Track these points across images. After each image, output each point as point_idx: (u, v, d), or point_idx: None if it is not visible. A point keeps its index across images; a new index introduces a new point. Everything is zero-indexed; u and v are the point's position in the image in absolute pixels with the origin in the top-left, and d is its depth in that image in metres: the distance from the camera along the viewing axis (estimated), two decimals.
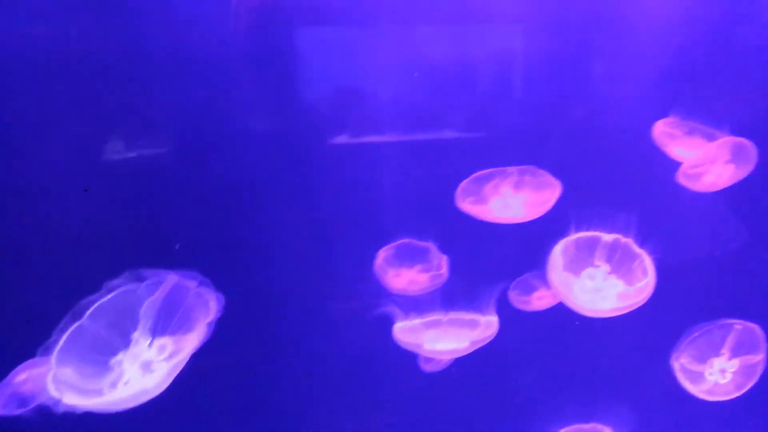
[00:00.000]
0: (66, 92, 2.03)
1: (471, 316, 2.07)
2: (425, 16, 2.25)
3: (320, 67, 2.24)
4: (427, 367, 2.27)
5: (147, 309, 1.51)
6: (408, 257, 2.21)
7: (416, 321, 2.06)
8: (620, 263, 2.01)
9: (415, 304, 2.12)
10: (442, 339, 2.06)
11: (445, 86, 2.30)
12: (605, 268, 2.02)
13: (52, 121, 2.04)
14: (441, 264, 2.22)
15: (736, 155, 2.23)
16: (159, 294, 1.51)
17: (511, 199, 2.16)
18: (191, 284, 1.56)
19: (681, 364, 2.20)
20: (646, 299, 1.98)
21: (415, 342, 2.08)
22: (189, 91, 2.12)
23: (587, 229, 2.02)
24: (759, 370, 2.21)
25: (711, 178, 2.23)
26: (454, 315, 2.08)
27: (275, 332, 2.37)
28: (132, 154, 2.16)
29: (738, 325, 2.18)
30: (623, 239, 1.99)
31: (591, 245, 2.03)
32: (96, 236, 2.12)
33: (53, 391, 1.38)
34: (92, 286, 1.54)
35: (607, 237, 2.00)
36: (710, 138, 2.23)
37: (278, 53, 2.20)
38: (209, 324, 1.56)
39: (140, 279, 1.56)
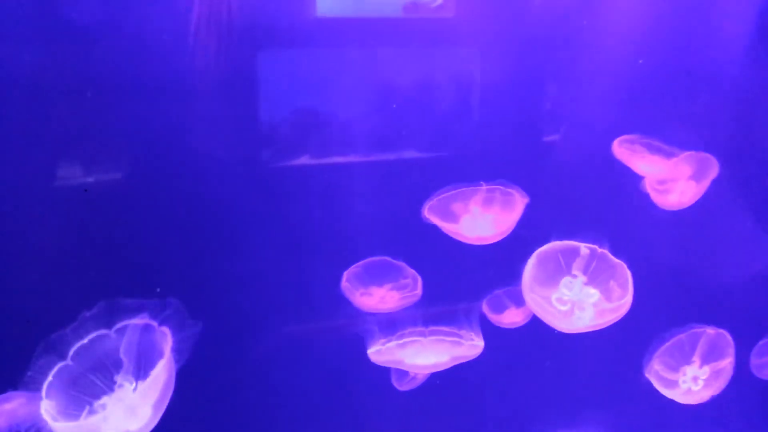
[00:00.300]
0: (21, 117, 2.00)
1: (452, 331, 2.07)
2: (386, 39, 2.28)
3: (281, 89, 2.25)
4: (402, 386, 2.27)
5: (126, 351, 1.48)
6: (377, 275, 2.22)
7: (393, 342, 2.06)
8: (596, 274, 2.03)
9: (391, 323, 2.12)
10: (422, 354, 2.06)
11: (407, 107, 2.32)
12: (582, 278, 2.04)
13: (7, 146, 2.00)
14: (412, 282, 2.22)
15: (697, 171, 2.29)
16: (133, 336, 1.49)
17: (480, 217, 2.18)
18: (167, 313, 1.54)
19: (655, 371, 2.26)
20: (624, 314, 2.01)
21: (394, 359, 2.07)
22: (148, 116, 2.09)
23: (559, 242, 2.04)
24: (729, 374, 2.30)
25: (675, 196, 2.29)
26: (434, 332, 2.07)
27: (248, 356, 2.35)
28: (90, 179, 2.13)
29: (708, 330, 2.26)
30: (599, 250, 2.01)
31: (567, 256, 2.04)
32: (53, 263, 2.08)
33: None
34: (54, 315, 1.51)
35: (584, 248, 2.01)
36: (669, 155, 2.29)
37: (238, 76, 2.20)
38: (180, 352, 1.54)
39: (112, 311, 1.53)
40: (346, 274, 2.19)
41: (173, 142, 2.15)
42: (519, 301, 2.27)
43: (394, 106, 2.30)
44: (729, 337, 2.28)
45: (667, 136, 2.32)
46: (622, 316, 1.99)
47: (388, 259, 2.23)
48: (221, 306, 2.20)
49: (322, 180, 2.32)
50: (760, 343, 2.61)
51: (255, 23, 2.15)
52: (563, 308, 2.01)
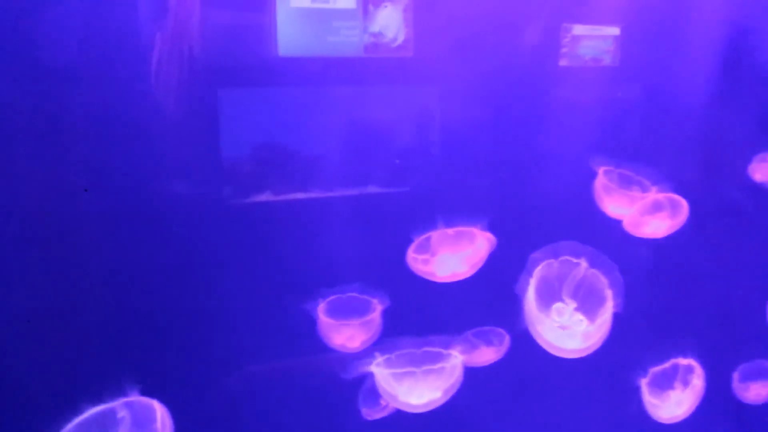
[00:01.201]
0: None
1: (440, 364, 2.07)
2: (347, 78, 2.31)
3: (242, 127, 2.26)
4: (372, 415, 2.26)
5: None
6: (344, 312, 2.21)
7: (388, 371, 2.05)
8: (585, 299, 2.06)
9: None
10: (416, 390, 2.06)
11: (368, 143, 2.35)
12: (573, 304, 2.06)
13: None
14: (377, 316, 2.22)
15: (671, 209, 2.36)
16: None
17: (450, 257, 2.19)
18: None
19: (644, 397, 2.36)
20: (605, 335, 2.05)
21: (391, 392, 2.06)
22: (107, 155, 2.08)
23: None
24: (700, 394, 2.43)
25: (650, 229, 2.35)
26: (426, 366, 2.07)
27: (218, 397, 2.32)
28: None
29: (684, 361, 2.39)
30: (589, 272, 2.03)
31: (559, 281, 2.06)
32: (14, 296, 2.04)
33: None
34: None
35: (575, 273, 2.04)
36: (644, 190, 2.35)
37: (200, 114, 2.20)
38: None
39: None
40: (320, 308, 2.18)
41: (133, 181, 2.13)
42: (489, 340, 2.31)
43: (397, 161, 2.34)
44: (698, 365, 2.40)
45: (639, 172, 2.39)
46: (604, 339, 2.03)
47: (356, 295, 2.23)
48: (187, 346, 2.18)
49: (283, 216, 2.32)
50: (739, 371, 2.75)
51: (217, 62, 2.17)
52: (554, 334, 2.04)
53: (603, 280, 2.02)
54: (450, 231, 2.20)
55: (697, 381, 2.40)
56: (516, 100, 2.49)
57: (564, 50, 2.60)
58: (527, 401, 2.63)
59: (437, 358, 2.10)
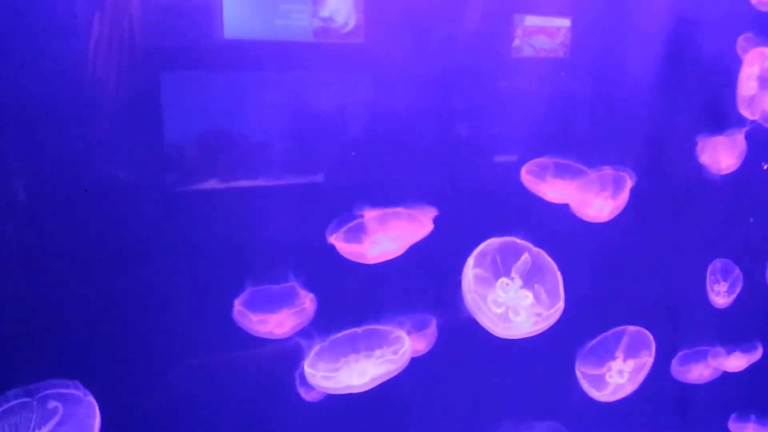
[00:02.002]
0: None
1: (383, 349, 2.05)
2: (295, 63, 2.27)
3: (187, 112, 2.20)
4: (309, 397, 2.22)
5: None
6: (273, 300, 2.17)
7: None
8: (530, 277, 2.05)
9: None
10: (356, 371, 2.03)
11: (316, 130, 2.31)
12: (519, 281, 2.05)
13: None
14: (309, 305, 2.19)
15: (613, 188, 2.37)
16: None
17: (381, 237, 2.17)
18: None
19: (582, 371, 2.40)
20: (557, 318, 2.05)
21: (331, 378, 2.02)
22: (48, 140, 1.99)
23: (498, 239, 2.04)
24: (648, 368, 2.47)
25: (593, 211, 2.36)
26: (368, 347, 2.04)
27: (153, 388, 2.25)
28: None
29: (630, 328, 2.43)
30: (534, 251, 2.02)
31: (505, 255, 2.05)
32: None
33: None
34: None
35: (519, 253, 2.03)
36: (575, 177, 2.37)
37: (142, 98, 2.13)
38: None
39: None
40: (238, 301, 2.13)
41: (75, 166, 2.05)
42: (419, 326, 2.30)
43: (353, 153, 2.30)
44: (649, 335, 2.45)
45: (583, 155, 2.41)
46: (554, 322, 2.03)
47: (284, 284, 2.19)
48: (122, 335, 2.12)
49: (230, 204, 2.27)
50: (681, 353, 2.83)
51: (159, 44, 2.10)
52: (498, 311, 2.02)
53: (547, 262, 2.03)
54: (383, 211, 2.17)
55: (638, 361, 2.45)
56: (466, 90, 2.48)
57: (516, 41, 2.61)
58: (469, 384, 2.65)
59: (377, 340, 2.07)
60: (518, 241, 2.02)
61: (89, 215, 2.08)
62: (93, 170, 2.08)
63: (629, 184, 2.39)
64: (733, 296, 2.86)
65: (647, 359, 2.45)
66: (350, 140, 2.38)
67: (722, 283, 2.85)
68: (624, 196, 2.39)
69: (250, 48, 2.17)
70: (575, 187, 2.35)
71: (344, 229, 2.13)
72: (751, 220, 2.97)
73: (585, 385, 2.40)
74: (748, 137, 2.74)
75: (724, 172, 2.74)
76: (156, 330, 2.16)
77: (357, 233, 2.15)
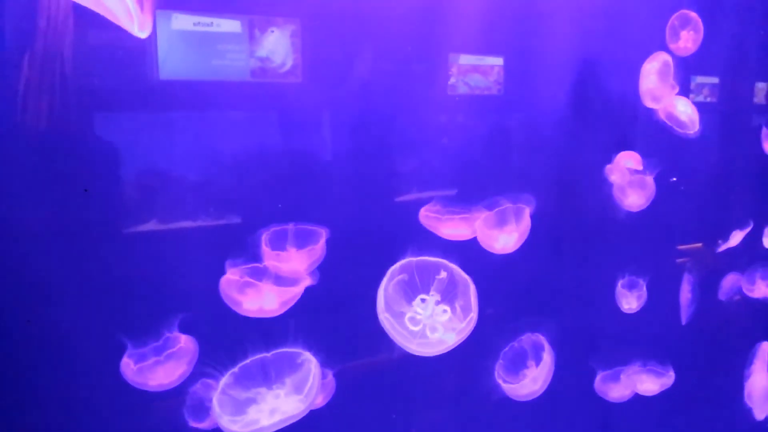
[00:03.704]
0: None
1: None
2: (233, 102, 2.27)
3: (123, 153, 2.16)
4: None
5: None
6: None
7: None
8: (447, 293, 2.08)
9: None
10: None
11: (251, 170, 2.30)
12: (436, 296, 2.06)
13: None
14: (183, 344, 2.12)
15: (516, 220, 2.43)
16: None
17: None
18: None
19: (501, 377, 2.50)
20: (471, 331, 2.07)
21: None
22: None
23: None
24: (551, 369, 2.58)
25: (500, 244, 2.41)
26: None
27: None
28: None
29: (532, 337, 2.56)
30: (449, 267, 2.06)
31: (422, 273, 2.06)
32: None
33: None
34: None
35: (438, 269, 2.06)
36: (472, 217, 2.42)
37: (76, 140, 2.09)
38: None
39: None
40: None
41: (6, 210, 1.98)
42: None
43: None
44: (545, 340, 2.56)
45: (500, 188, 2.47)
46: (467, 335, 2.05)
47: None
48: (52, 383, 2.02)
49: (170, 244, 2.22)
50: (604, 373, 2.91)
51: (93, 85, 2.07)
52: (416, 328, 2.02)
53: (462, 277, 2.06)
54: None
55: (548, 356, 2.55)
56: (403, 128, 2.53)
57: (451, 80, 2.68)
58: (389, 404, 2.62)
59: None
60: (432, 258, 2.04)
61: (23, 255, 2.00)
62: (25, 210, 2.01)
63: (527, 213, 2.46)
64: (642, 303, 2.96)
65: (548, 358, 2.55)
66: (287, 178, 2.37)
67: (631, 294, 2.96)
68: (526, 226, 2.47)
69: (186, 88, 2.16)
70: (480, 224, 2.39)
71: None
72: (673, 179, 3.06)
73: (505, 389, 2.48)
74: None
75: (633, 210, 2.89)
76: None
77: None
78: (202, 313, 2.11)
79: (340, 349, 2.11)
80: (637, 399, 2.99)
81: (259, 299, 2.08)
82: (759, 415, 3.38)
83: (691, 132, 2.94)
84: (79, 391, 2.10)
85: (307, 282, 2.15)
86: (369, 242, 2.29)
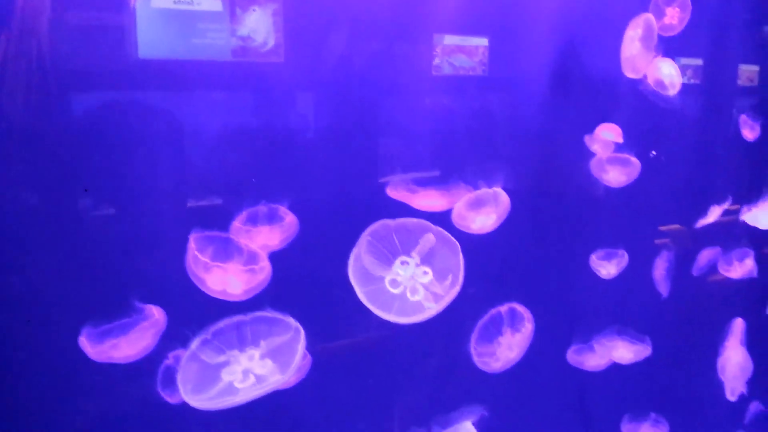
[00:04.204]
0: None
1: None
2: (214, 82, 2.24)
3: (101, 133, 2.14)
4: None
5: None
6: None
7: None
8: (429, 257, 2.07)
9: None
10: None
11: (231, 150, 2.29)
12: (416, 259, 2.05)
13: None
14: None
15: (495, 204, 2.43)
16: None
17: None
18: None
19: (476, 350, 2.49)
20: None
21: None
22: None
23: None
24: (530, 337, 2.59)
25: (477, 225, 2.41)
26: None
27: None
28: None
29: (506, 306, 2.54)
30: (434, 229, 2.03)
31: (403, 236, 2.05)
32: None
33: None
34: None
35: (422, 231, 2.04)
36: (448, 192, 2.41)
37: (52, 121, 2.06)
38: None
39: None
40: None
41: None
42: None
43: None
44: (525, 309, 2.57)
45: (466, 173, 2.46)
46: (451, 300, 2.04)
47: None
48: None
49: (146, 224, 2.21)
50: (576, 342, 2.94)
51: (70, 64, 2.04)
52: (396, 291, 2.02)
53: (448, 239, 2.05)
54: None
55: (524, 324, 2.55)
56: (387, 108, 2.52)
57: (436, 60, 2.67)
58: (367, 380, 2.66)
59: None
60: (414, 221, 2.03)
61: None
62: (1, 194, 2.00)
63: (506, 197, 2.45)
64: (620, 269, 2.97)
65: (529, 327, 2.56)
66: (268, 159, 2.36)
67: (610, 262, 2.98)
68: (505, 208, 2.45)
69: (165, 67, 2.14)
70: (458, 207, 2.39)
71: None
72: (653, 153, 3.09)
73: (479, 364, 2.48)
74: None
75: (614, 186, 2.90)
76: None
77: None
78: (172, 290, 2.08)
79: (317, 327, 2.11)
80: (613, 369, 3.02)
81: (224, 281, 2.06)
82: (731, 389, 3.47)
83: (672, 93, 2.90)
84: (48, 370, 2.10)
85: (265, 267, 2.12)
86: (348, 221, 2.27)
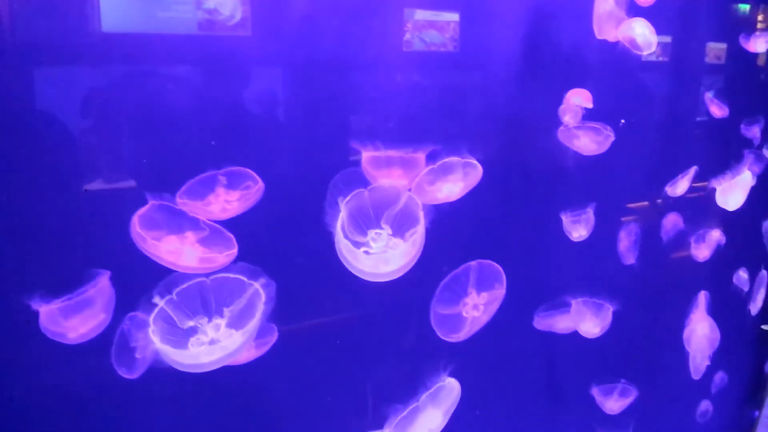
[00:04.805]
0: None
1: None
2: (179, 56, 2.20)
3: (63, 109, 2.09)
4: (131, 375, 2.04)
5: None
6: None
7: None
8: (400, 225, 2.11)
9: None
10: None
11: (197, 126, 2.26)
12: (388, 230, 2.08)
13: None
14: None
15: (464, 171, 2.42)
16: None
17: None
18: None
19: (438, 312, 2.46)
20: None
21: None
22: None
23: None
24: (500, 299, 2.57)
25: (443, 194, 2.40)
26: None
27: None
28: None
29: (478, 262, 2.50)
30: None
31: (377, 207, 2.08)
32: None
33: None
34: None
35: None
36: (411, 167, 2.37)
37: (13, 97, 2.01)
38: None
39: None
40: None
41: None
42: None
43: None
44: (498, 267, 2.54)
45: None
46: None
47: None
48: None
49: (116, 205, 2.17)
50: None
51: (30, 38, 1.98)
52: (368, 263, 2.05)
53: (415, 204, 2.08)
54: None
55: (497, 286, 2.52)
56: (357, 83, 2.50)
57: (407, 36, 2.65)
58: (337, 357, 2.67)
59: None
60: (387, 187, 2.06)
61: None
62: None
63: (476, 167, 2.42)
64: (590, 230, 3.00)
65: (500, 290, 2.53)
66: (235, 133, 2.32)
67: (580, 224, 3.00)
68: (474, 178, 2.43)
69: (130, 41, 2.09)
70: (421, 177, 2.35)
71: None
72: (622, 121, 3.11)
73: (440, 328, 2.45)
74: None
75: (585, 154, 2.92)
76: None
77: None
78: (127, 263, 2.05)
79: (286, 304, 2.11)
80: (582, 336, 3.06)
81: (179, 251, 2.02)
82: (696, 362, 3.56)
83: (646, 53, 2.92)
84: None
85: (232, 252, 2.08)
86: (315, 194, 2.25)
